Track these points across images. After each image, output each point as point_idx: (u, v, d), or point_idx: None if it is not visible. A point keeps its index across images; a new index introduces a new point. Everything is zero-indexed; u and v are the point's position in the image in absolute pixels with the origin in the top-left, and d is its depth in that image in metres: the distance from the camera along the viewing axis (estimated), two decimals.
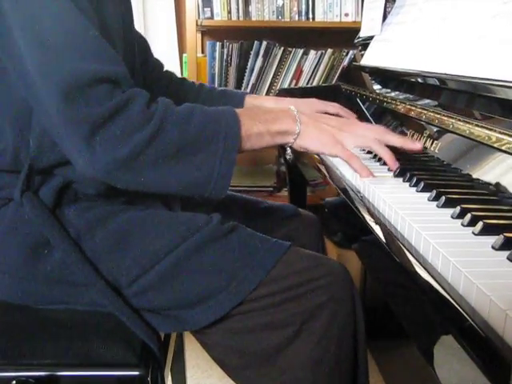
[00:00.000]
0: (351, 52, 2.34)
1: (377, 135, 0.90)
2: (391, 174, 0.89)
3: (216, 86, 2.37)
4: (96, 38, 0.74)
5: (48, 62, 0.71)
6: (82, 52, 0.73)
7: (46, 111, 0.74)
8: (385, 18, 1.35)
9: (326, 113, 1.15)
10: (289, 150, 1.47)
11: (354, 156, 0.88)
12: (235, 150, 0.80)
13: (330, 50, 2.38)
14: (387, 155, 0.88)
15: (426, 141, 0.95)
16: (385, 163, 0.91)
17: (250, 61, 2.38)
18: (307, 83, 2.42)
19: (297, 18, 2.34)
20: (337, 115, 1.16)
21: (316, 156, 1.07)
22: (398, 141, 0.91)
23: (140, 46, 1.11)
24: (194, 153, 0.78)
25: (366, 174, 0.85)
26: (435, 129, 0.94)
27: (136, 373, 0.77)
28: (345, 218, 0.91)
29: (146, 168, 0.76)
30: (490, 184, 0.75)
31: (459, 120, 0.86)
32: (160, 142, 0.75)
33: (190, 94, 1.20)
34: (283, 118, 0.88)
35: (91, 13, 0.76)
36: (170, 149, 0.76)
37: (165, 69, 1.24)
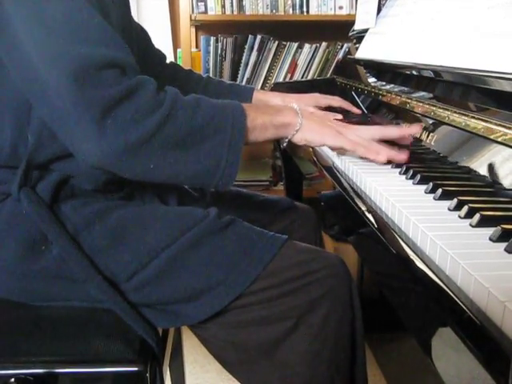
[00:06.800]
0: (346, 45, 2.33)
1: (377, 131, 0.92)
2: (388, 166, 0.89)
3: None
4: (102, 24, 0.74)
5: (55, 49, 0.70)
6: (89, 38, 0.72)
7: (51, 102, 0.72)
8: (379, 10, 1.35)
9: (329, 106, 1.22)
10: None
11: (359, 143, 0.88)
12: (242, 139, 0.81)
13: (324, 44, 2.38)
14: (391, 153, 0.89)
15: (421, 133, 0.95)
16: None
17: (245, 55, 2.38)
18: (302, 77, 2.42)
19: (291, 11, 2.33)
20: (340, 108, 1.24)
21: (311, 149, 1.07)
22: (396, 131, 0.94)
23: (140, 38, 1.12)
24: (202, 141, 0.78)
25: (375, 157, 0.87)
26: (431, 121, 0.94)
27: (134, 369, 0.77)
28: (341, 211, 0.91)
29: (156, 154, 0.75)
30: (486, 176, 0.75)
31: (455, 112, 0.86)
32: (170, 128, 0.75)
33: (197, 86, 1.20)
34: (286, 111, 0.90)
35: (95, 2, 0.75)
36: (179, 135, 0.76)
37: (168, 60, 1.24)
